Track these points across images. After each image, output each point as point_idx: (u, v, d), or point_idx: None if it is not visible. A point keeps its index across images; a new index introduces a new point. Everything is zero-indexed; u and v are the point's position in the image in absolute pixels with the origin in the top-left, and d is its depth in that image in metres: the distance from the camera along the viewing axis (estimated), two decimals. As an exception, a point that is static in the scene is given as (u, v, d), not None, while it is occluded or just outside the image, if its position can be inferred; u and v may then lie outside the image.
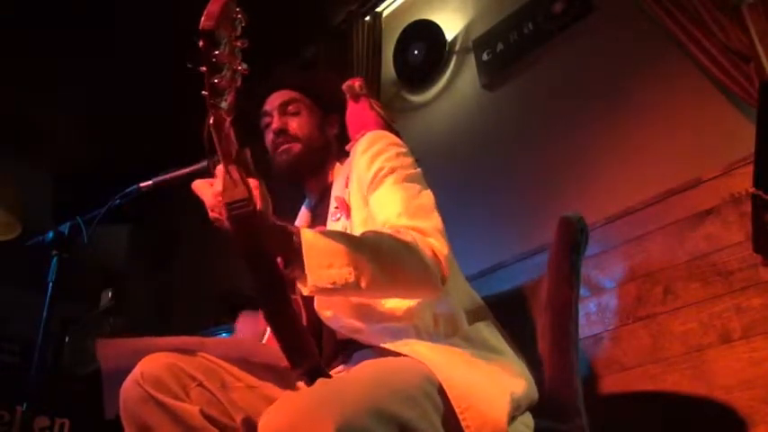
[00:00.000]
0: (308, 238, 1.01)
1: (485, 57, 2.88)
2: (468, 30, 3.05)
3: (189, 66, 0.89)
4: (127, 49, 3.40)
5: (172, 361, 1.10)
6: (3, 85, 3.36)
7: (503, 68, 2.81)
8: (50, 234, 1.61)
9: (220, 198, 0.94)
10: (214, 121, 0.91)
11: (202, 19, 0.86)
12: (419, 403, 0.92)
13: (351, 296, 1.10)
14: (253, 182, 0.95)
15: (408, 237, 1.11)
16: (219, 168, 0.96)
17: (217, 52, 0.86)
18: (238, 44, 0.91)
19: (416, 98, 3.17)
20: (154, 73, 3.57)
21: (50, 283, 1.57)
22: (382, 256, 1.05)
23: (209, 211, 1.04)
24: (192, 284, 4.13)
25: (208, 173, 1.48)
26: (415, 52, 3.15)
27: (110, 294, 3.18)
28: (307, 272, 0.99)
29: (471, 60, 2.96)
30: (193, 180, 1.06)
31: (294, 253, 1.00)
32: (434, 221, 1.19)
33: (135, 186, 1.58)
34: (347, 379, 0.97)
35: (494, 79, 2.85)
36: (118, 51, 3.40)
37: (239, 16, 0.91)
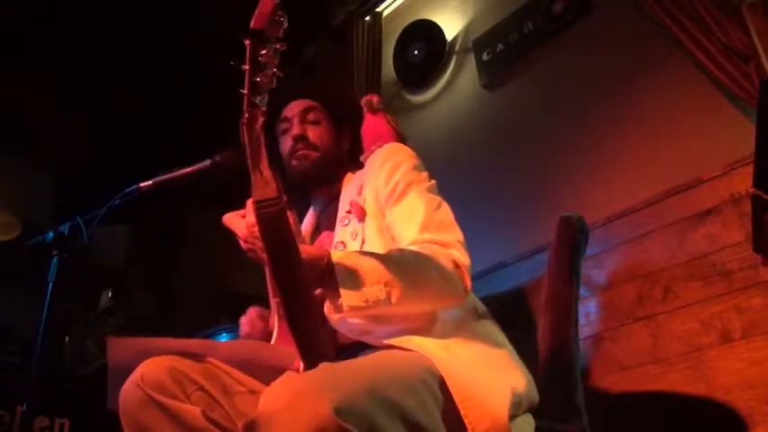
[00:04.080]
0: (338, 258, 1.03)
1: (485, 57, 2.88)
2: (468, 30, 3.05)
3: (232, 64, 0.91)
4: (127, 49, 3.40)
5: (173, 364, 1.10)
6: (3, 85, 3.35)
7: (503, 68, 2.81)
8: (50, 234, 1.61)
9: (253, 230, 0.95)
10: (248, 119, 0.92)
11: (254, 19, 0.89)
12: (419, 393, 0.92)
13: (381, 312, 1.10)
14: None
15: (430, 250, 1.14)
16: (249, 202, 0.97)
17: (264, 51, 0.89)
18: (278, 46, 0.93)
19: (416, 98, 3.17)
20: (154, 73, 3.57)
21: (50, 283, 1.57)
22: (408, 271, 1.08)
23: (241, 242, 1.06)
24: (192, 284, 4.13)
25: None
26: (415, 52, 3.15)
27: (110, 294, 3.18)
28: (341, 293, 1.00)
29: (471, 60, 2.96)
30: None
31: (324, 274, 1.02)
32: (455, 234, 1.22)
33: (135, 186, 1.58)
34: (348, 364, 0.97)
35: (494, 79, 2.85)
36: (118, 51, 3.40)
37: (282, 18, 0.93)
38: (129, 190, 1.58)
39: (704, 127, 2.13)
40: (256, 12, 0.89)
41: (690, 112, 2.18)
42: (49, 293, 1.56)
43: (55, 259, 1.59)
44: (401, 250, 1.15)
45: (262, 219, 0.92)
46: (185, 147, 2.00)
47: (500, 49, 2.82)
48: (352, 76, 3.16)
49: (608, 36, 2.48)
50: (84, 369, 3.06)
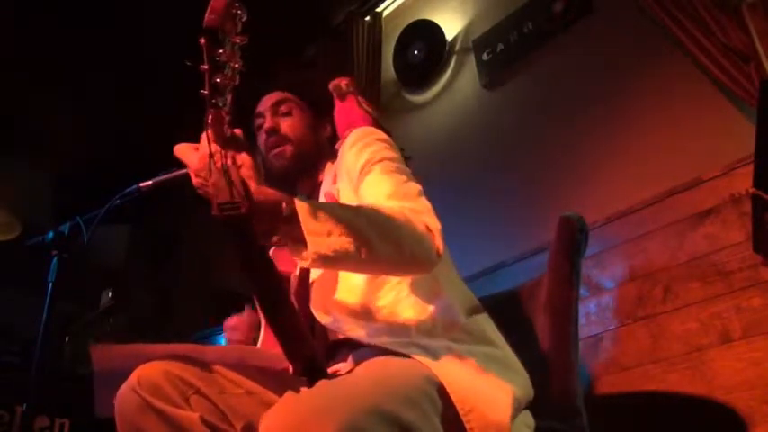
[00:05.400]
0: (304, 205, 0.95)
1: (485, 57, 2.88)
2: (468, 30, 3.05)
3: (188, 64, 0.87)
4: (127, 49, 3.40)
5: (169, 368, 1.08)
6: (3, 85, 3.35)
7: (503, 68, 2.81)
8: (50, 234, 1.60)
9: (205, 161, 0.90)
10: (213, 119, 0.89)
11: (206, 14, 0.84)
12: (420, 404, 0.91)
13: (348, 268, 1.07)
14: (245, 158, 0.92)
15: (402, 211, 1.09)
16: (204, 135, 0.91)
17: (221, 51, 0.85)
18: (238, 40, 0.89)
19: (416, 98, 3.17)
20: (154, 72, 3.57)
21: (50, 283, 1.57)
22: (380, 228, 1.02)
23: (192, 176, 0.98)
24: (192, 284, 4.13)
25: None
26: (415, 52, 3.15)
27: (110, 294, 3.18)
28: (306, 238, 0.93)
29: (471, 60, 2.96)
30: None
31: (286, 222, 0.94)
32: (424, 203, 1.17)
33: (135, 186, 1.57)
34: (348, 381, 0.96)
35: (494, 79, 2.86)
36: (118, 51, 3.41)
37: (239, 11, 0.89)
38: (129, 190, 1.57)
39: (704, 127, 2.13)
40: (208, 8, 0.84)
41: (690, 112, 2.18)
42: (49, 293, 1.55)
43: (55, 259, 1.58)
44: (374, 207, 1.09)
45: (225, 223, 0.87)
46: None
47: (500, 49, 2.82)
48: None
49: (608, 36, 2.48)
50: (84, 369, 3.05)
